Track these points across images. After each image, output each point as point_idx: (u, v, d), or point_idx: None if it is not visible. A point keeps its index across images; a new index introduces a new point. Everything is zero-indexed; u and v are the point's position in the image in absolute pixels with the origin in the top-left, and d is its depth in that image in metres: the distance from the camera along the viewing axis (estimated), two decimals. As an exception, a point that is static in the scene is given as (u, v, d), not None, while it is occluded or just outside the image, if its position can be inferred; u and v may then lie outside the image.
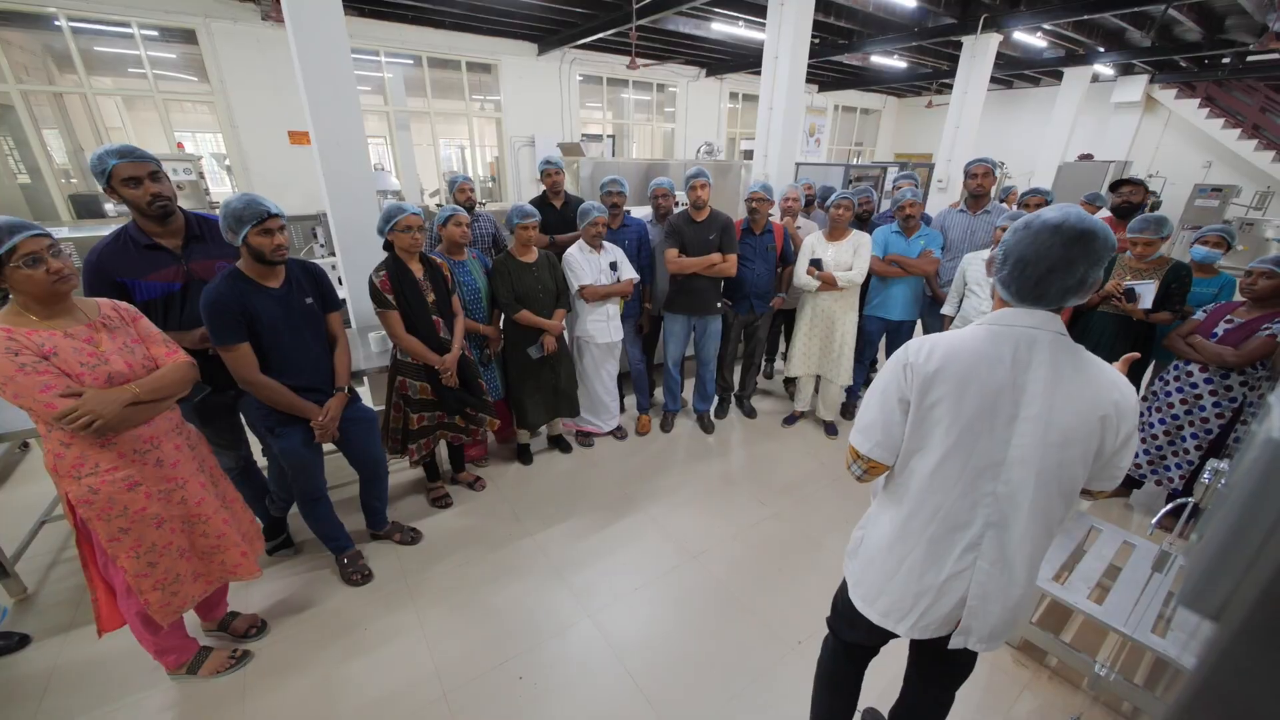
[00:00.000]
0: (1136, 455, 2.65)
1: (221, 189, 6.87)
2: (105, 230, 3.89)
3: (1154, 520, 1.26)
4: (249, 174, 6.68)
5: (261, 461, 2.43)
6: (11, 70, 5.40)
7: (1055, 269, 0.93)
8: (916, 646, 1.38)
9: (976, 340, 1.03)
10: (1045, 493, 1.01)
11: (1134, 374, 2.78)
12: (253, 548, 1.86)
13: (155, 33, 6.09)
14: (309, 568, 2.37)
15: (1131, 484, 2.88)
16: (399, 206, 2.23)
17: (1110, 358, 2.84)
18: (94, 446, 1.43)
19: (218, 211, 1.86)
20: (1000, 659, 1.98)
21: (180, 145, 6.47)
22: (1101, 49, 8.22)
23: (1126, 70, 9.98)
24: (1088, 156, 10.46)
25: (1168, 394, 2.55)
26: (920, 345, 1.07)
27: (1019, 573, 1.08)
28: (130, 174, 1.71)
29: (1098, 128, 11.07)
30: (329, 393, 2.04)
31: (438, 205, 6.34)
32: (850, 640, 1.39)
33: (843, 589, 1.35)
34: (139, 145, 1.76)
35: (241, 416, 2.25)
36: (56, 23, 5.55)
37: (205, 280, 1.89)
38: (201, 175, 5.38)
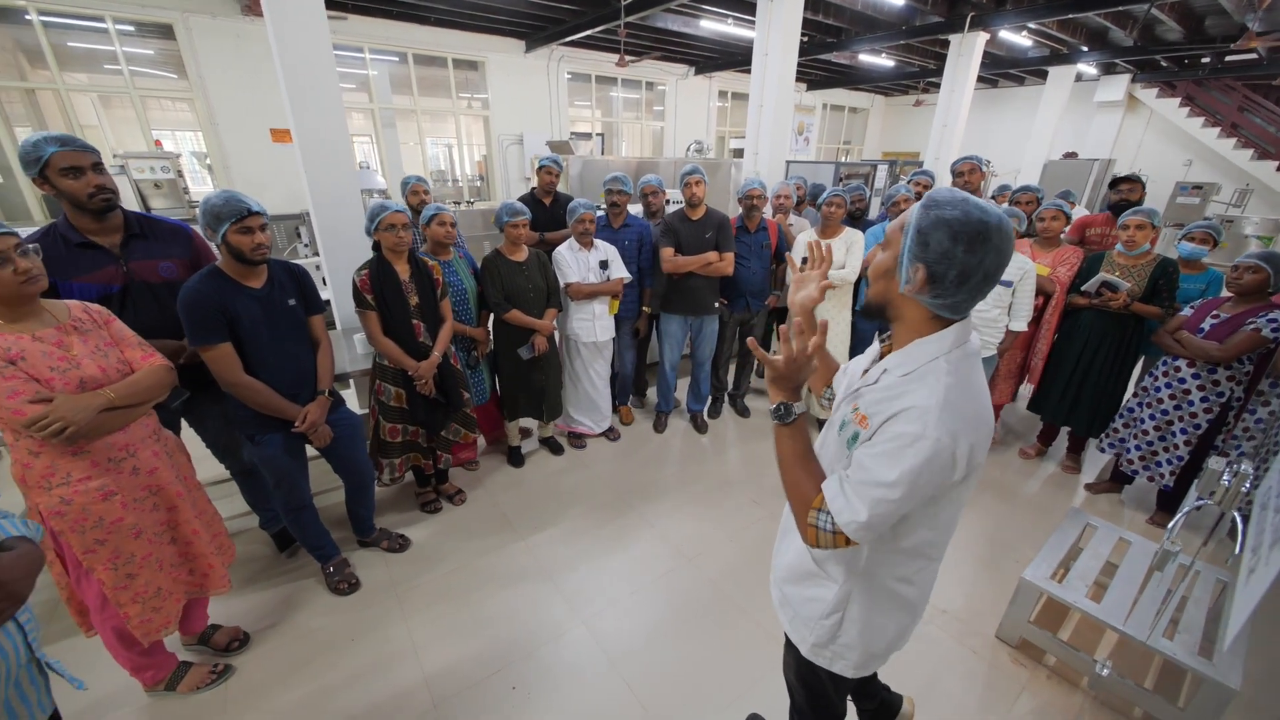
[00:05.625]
0: (1129, 451, 2.67)
1: (202, 188, 6.73)
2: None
3: (1201, 540, 1.23)
4: (230, 172, 6.54)
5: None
6: (-20, 66, 5.25)
7: (1002, 267, 0.84)
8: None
9: (971, 383, 0.89)
10: None
11: (1124, 370, 2.83)
12: (222, 559, 1.80)
13: (131, 28, 5.93)
14: (294, 577, 2.30)
15: (1123, 480, 2.90)
16: (382, 204, 2.18)
17: (1102, 354, 2.85)
18: (65, 455, 1.37)
19: (196, 210, 1.80)
20: (999, 658, 1.97)
21: (158, 143, 6.31)
22: (1085, 48, 8.32)
23: (1109, 70, 10.12)
24: (1072, 154, 10.61)
25: (1157, 390, 2.56)
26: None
27: None
28: (71, 163, 1.59)
29: (1081, 126, 11.24)
30: (312, 397, 1.98)
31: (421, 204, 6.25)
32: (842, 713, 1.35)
33: (827, 687, 1.23)
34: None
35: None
36: (27, 16, 5.38)
37: (147, 282, 1.81)
38: (180, 174, 5.25)
